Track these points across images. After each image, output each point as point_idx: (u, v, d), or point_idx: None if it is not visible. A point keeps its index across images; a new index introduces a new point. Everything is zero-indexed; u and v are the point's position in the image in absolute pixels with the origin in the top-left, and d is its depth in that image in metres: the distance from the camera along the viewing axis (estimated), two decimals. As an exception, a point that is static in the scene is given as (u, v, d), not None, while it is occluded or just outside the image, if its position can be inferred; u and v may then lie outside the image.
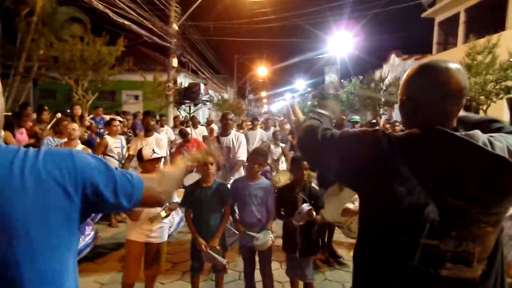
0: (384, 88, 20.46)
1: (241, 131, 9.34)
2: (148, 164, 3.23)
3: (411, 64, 20.76)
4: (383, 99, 20.51)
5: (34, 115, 7.53)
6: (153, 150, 3.30)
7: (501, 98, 10.82)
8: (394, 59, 23.31)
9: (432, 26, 18.69)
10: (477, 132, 1.16)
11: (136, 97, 20.85)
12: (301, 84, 54.21)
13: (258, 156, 3.40)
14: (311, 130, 1.42)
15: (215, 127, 10.38)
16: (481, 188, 1.10)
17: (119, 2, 8.61)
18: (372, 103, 21.19)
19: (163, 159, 4.78)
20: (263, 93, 67.78)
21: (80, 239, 4.06)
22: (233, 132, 5.09)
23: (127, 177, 1.15)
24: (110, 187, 1.08)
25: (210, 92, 26.68)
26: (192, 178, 5.52)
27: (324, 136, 1.35)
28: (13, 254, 0.90)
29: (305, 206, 3.06)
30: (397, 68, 22.21)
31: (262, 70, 45.38)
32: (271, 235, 3.22)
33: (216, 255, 3.13)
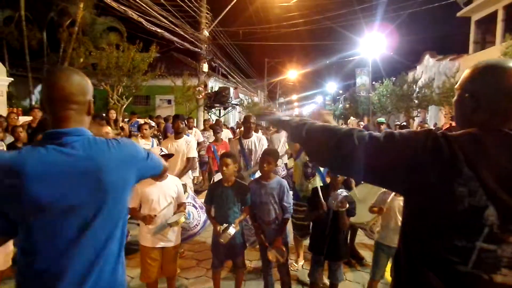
0: (417, 90, 19.92)
1: (269, 133, 9.52)
2: None
3: (446, 65, 20.07)
4: (416, 101, 19.96)
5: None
6: (161, 149, 3.47)
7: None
8: (428, 59, 22.63)
9: (468, 25, 18.01)
10: None
11: (169, 102, 21.50)
12: (332, 86, 53.62)
13: (266, 155, 3.52)
14: (346, 132, 1.32)
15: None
16: None
17: (152, 11, 9.05)
18: (405, 105, 20.68)
19: (186, 159, 5.07)
20: (294, 96, 67.60)
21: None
22: (255, 135, 5.23)
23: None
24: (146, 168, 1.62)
25: (241, 95, 27.04)
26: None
27: (362, 138, 1.27)
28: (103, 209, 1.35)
29: (343, 192, 3.12)
30: (431, 69, 21.56)
31: (292, 73, 45.32)
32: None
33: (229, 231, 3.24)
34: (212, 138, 8.15)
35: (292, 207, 3.59)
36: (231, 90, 18.86)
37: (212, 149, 7.24)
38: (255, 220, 3.55)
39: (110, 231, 1.39)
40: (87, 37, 11.49)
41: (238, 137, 5.36)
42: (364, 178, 1.39)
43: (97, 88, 11.65)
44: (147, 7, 8.66)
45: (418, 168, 1.16)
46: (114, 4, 7.81)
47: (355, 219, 3.99)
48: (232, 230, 3.23)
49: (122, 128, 8.81)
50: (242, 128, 10.71)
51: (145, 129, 6.31)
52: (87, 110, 1.44)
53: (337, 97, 50.61)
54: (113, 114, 7.84)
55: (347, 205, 3.15)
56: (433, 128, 1.31)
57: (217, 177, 5.87)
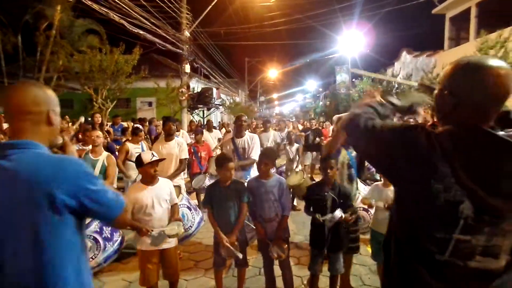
0: (396, 86, 20.36)
1: (257, 132, 9.55)
2: (148, 168, 3.29)
3: (422, 61, 20.61)
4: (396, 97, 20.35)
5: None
6: (152, 153, 3.41)
7: (515, 92, 10.72)
8: (405, 56, 23.16)
9: (443, 22, 18.56)
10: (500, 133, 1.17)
11: (150, 104, 21.26)
12: (312, 84, 54.07)
13: (263, 157, 3.60)
14: (355, 116, 1.42)
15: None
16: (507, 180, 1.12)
17: (134, 13, 8.92)
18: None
19: (179, 161, 5.03)
20: (274, 95, 67.88)
21: (109, 245, 4.15)
22: (248, 134, 5.25)
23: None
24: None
25: (222, 95, 26.97)
26: (200, 180, 5.69)
27: (366, 125, 1.35)
28: None
29: (338, 213, 3.23)
30: (408, 66, 22.06)
31: (272, 72, 45.52)
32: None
33: (233, 249, 3.29)
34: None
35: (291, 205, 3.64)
36: (214, 90, 18.79)
37: (192, 150, 7.15)
38: (255, 218, 3.58)
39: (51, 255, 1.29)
40: (65, 40, 11.21)
41: (230, 137, 5.36)
42: (369, 161, 1.58)
43: (76, 92, 11.38)
44: (129, 9, 8.53)
45: (400, 161, 1.24)
46: (96, 6, 7.67)
47: None
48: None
49: (108, 132, 8.65)
50: (229, 128, 10.75)
51: (141, 136, 6.18)
52: (46, 120, 1.41)
53: (318, 95, 51.12)
54: (98, 118, 7.68)
55: (343, 217, 3.28)
56: (420, 123, 1.35)
57: (198, 180, 5.85)
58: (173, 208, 3.49)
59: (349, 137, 1.49)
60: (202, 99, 16.22)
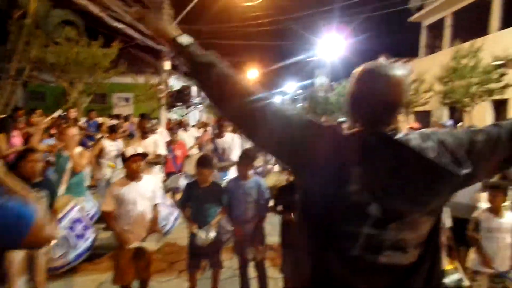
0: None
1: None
2: (130, 162, 3.30)
3: (399, 67, 21.18)
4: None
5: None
6: (134, 149, 3.40)
7: (483, 101, 11.18)
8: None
9: (419, 30, 19.11)
10: (413, 134, 1.21)
11: (127, 100, 20.78)
12: (291, 86, 54.44)
13: (243, 158, 3.62)
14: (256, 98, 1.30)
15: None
16: (420, 192, 1.15)
17: (113, 5, 8.68)
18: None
19: (156, 156, 4.96)
20: (254, 95, 67.65)
21: (80, 242, 4.07)
22: (228, 134, 5.24)
23: None
24: None
25: (202, 94, 26.67)
26: (174, 180, 5.66)
27: (275, 111, 1.27)
28: None
29: None
30: (386, 71, 22.59)
31: (252, 73, 45.50)
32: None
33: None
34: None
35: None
36: (193, 88, 18.57)
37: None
38: (232, 219, 3.57)
39: None
40: (40, 30, 10.78)
41: (211, 137, 5.33)
42: (265, 147, 1.46)
43: (50, 84, 10.96)
44: (108, 1, 8.29)
45: (310, 157, 1.24)
46: (73, -3, 7.41)
47: None
48: (212, 234, 3.24)
49: (80, 128, 8.39)
50: (207, 128, 10.63)
51: (122, 133, 6.05)
52: None
53: (296, 97, 51.50)
54: (73, 114, 7.44)
55: None
56: (339, 124, 1.39)
57: (173, 180, 5.77)
58: (154, 210, 3.46)
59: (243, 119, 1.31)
60: (180, 97, 15.94)
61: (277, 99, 1.50)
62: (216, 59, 1.33)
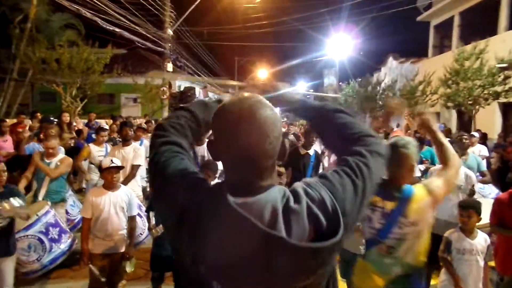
0: (381, 91, 20.50)
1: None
2: (106, 174, 3.37)
3: (407, 67, 20.78)
4: (380, 102, 20.53)
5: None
6: (111, 160, 3.42)
7: (489, 104, 10.86)
8: (391, 62, 23.33)
9: (428, 29, 18.74)
10: (263, 198, 0.92)
11: (135, 100, 20.96)
12: (302, 85, 54.28)
13: (205, 168, 3.64)
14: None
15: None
16: (264, 271, 0.87)
17: (108, 10, 8.76)
18: (369, 106, 21.24)
19: (131, 167, 4.97)
20: (264, 95, 67.86)
21: (55, 246, 4.11)
22: (208, 142, 5.20)
23: None
24: None
25: (210, 94, 26.80)
26: None
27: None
28: None
29: None
30: (394, 71, 22.22)
31: (262, 72, 45.51)
32: None
33: None
34: None
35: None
36: (197, 89, 18.64)
37: None
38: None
39: None
40: (41, 34, 10.97)
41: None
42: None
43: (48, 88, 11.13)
44: (102, 6, 8.35)
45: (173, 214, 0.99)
46: (66, 3, 7.48)
47: None
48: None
49: (79, 131, 8.49)
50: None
51: (102, 136, 6.06)
52: None
53: (307, 96, 51.28)
54: (66, 117, 7.53)
55: None
56: (201, 176, 1.08)
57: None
58: (130, 224, 3.52)
59: None
60: (184, 98, 16.03)
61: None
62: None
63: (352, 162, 1.03)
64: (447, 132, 9.50)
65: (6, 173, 3.34)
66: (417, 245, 2.14)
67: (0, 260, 3.22)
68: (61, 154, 5.06)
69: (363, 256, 2.30)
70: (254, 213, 0.89)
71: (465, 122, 13.28)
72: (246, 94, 1.03)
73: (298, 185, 0.97)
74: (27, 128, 7.19)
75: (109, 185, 3.44)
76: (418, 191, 2.12)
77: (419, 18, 18.55)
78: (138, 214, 4.44)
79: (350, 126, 1.15)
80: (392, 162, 2.07)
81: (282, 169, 5.57)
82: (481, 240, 3.11)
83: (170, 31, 14.11)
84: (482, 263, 3.06)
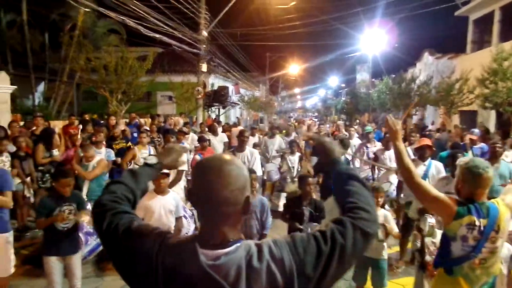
0: (415, 88, 20.04)
1: (260, 137, 9.75)
2: (154, 180, 3.64)
3: (444, 63, 20.13)
4: (414, 99, 20.07)
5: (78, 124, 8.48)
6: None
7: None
8: (427, 57, 22.67)
9: (466, 24, 18.07)
10: (231, 260, 1.03)
11: (170, 98, 21.63)
12: (334, 80, 53.69)
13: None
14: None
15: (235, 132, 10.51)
16: None
17: (150, 17, 9.29)
18: (403, 103, 20.82)
19: (176, 171, 5.41)
20: (296, 90, 67.70)
21: (91, 239, 4.28)
22: (248, 149, 5.55)
23: None
24: None
25: (242, 90, 27.21)
26: None
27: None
28: None
29: (314, 224, 3.68)
30: (430, 67, 21.62)
31: (294, 68, 45.39)
32: None
33: None
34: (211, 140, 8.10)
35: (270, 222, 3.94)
36: (230, 88, 19.11)
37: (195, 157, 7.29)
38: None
39: None
40: (87, 40, 11.78)
41: (231, 150, 5.69)
42: None
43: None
44: (145, 14, 8.90)
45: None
46: (112, 14, 8.08)
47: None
48: None
49: (123, 131, 9.12)
50: (239, 128, 10.92)
51: (143, 138, 6.64)
52: None
53: (339, 91, 50.65)
54: (113, 121, 8.17)
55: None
56: (164, 233, 1.20)
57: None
58: (177, 224, 3.96)
59: None
60: (217, 97, 16.56)
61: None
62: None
63: (329, 229, 1.13)
64: (485, 132, 9.21)
65: (73, 181, 3.80)
66: (499, 255, 2.42)
67: (70, 257, 3.56)
68: (99, 156, 5.62)
69: (449, 271, 2.39)
70: (222, 272, 1.00)
71: (504, 122, 12.80)
72: (222, 153, 1.27)
73: (266, 242, 1.10)
74: (79, 130, 7.82)
75: (159, 190, 3.82)
76: (501, 207, 2.36)
77: (457, 13, 17.90)
78: (184, 216, 4.91)
79: (352, 195, 1.25)
80: (476, 184, 2.32)
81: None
82: (505, 249, 3.25)
83: (205, 33, 14.57)
84: (505, 271, 3.21)
